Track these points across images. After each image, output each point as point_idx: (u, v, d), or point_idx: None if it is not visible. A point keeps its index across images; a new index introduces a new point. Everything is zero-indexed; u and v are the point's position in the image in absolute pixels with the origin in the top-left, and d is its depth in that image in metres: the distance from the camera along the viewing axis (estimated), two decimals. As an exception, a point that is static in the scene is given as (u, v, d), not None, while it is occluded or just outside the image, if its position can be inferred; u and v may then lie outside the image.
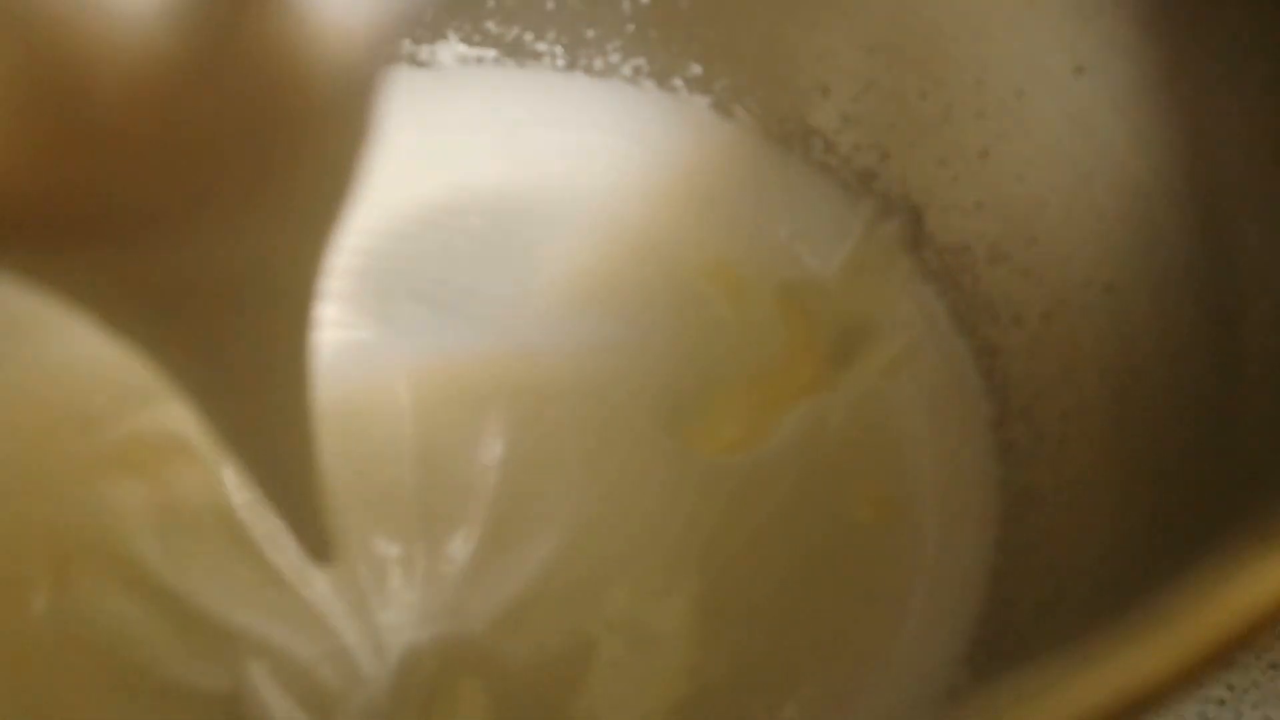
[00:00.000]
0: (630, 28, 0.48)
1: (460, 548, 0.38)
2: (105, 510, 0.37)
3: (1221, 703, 0.41)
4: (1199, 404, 0.30)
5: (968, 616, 0.37)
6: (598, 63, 0.49)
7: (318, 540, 0.29)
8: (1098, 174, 0.36)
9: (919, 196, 0.44)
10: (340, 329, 0.41)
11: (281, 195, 0.17)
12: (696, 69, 0.48)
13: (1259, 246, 0.29)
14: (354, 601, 0.37)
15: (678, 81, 0.48)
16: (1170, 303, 0.34)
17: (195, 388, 0.21)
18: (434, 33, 0.48)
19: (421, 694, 0.35)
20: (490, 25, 0.48)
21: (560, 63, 0.49)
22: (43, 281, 0.17)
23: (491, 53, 0.48)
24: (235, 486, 0.37)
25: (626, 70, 0.48)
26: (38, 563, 0.37)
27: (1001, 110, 0.39)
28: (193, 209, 0.16)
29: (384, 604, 0.37)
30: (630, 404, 0.41)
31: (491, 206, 0.45)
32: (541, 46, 0.48)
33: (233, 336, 0.20)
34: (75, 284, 0.18)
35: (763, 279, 0.45)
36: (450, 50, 0.48)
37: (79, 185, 0.15)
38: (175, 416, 0.37)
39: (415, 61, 0.48)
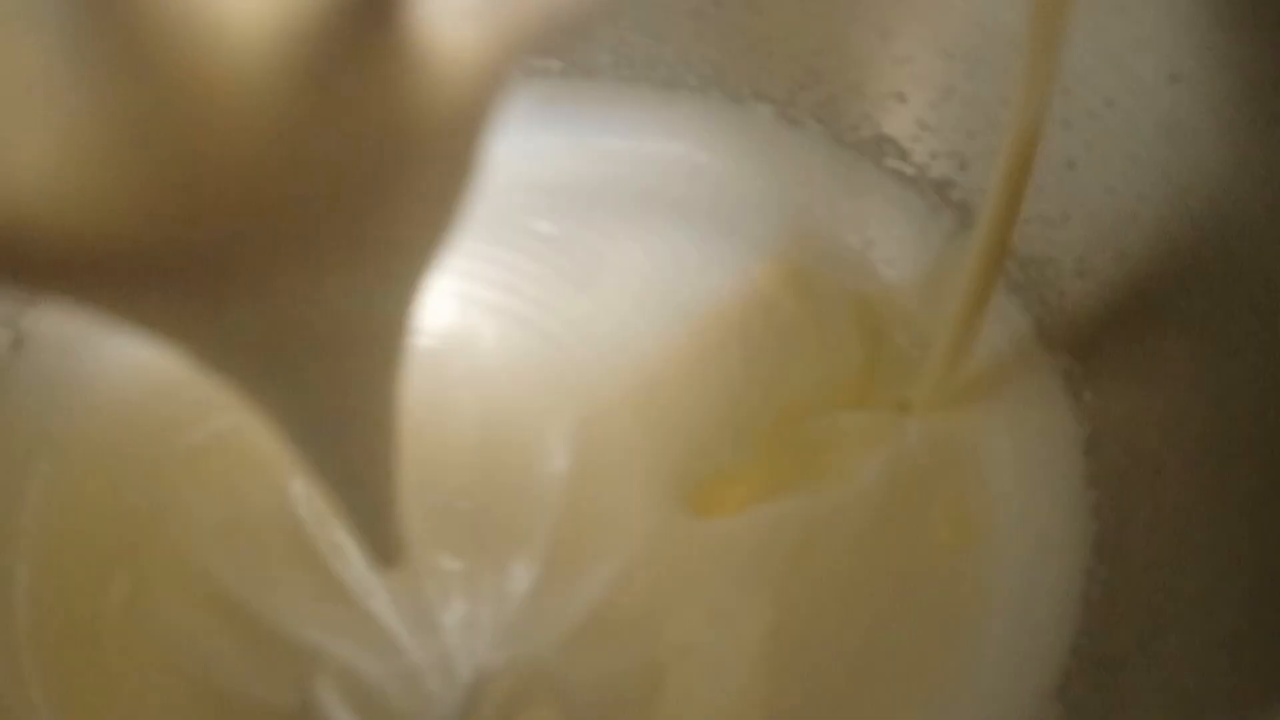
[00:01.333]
0: (694, 37, 0.47)
1: (525, 566, 0.37)
2: (176, 517, 0.38)
3: None
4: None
5: (1058, 648, 0.35)
6: (662, 72, 0.48)
7: (389, 544, 0.28)
8: (1193, 187, 0.34)
9: (1000, 208, 0.42)
10: (415, 336, 0.40)
11: (386, 237, 0.17)
12: (764, 76, 0.47)
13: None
14: (420, 619, 0.36)
15: (745, 90, 0.47)
16: (1271, 317, 0.32)
17: (282, 417, 0.21)
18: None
19: (494, 718, 0.35)
20: (555, 38, 0.47)
21: (625, 73, 0.48)
22: (142, 323, 0.17)
23: (556, 64, 0.48)
24: (302, 499, 0.37)
25: (692, 80, 0.48)
26: (116, 561, 0.37)
27: (1089, 119, 0.38)
28: (299, 255, 0.16)
29: (451, 622, 0.36)
30: (702, 418, 0.40)
31: (559, 213, 0.44)
32: (605, 58, 0.48)
33: (327, 375, 0.20)
34: (174, 325, 0.17)
35: (838, 290, 0.43)
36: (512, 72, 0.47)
37: (191, 231, 0.15)
38: (247, 426, 0.38)
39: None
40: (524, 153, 0.45)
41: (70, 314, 0.16)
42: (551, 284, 0.42)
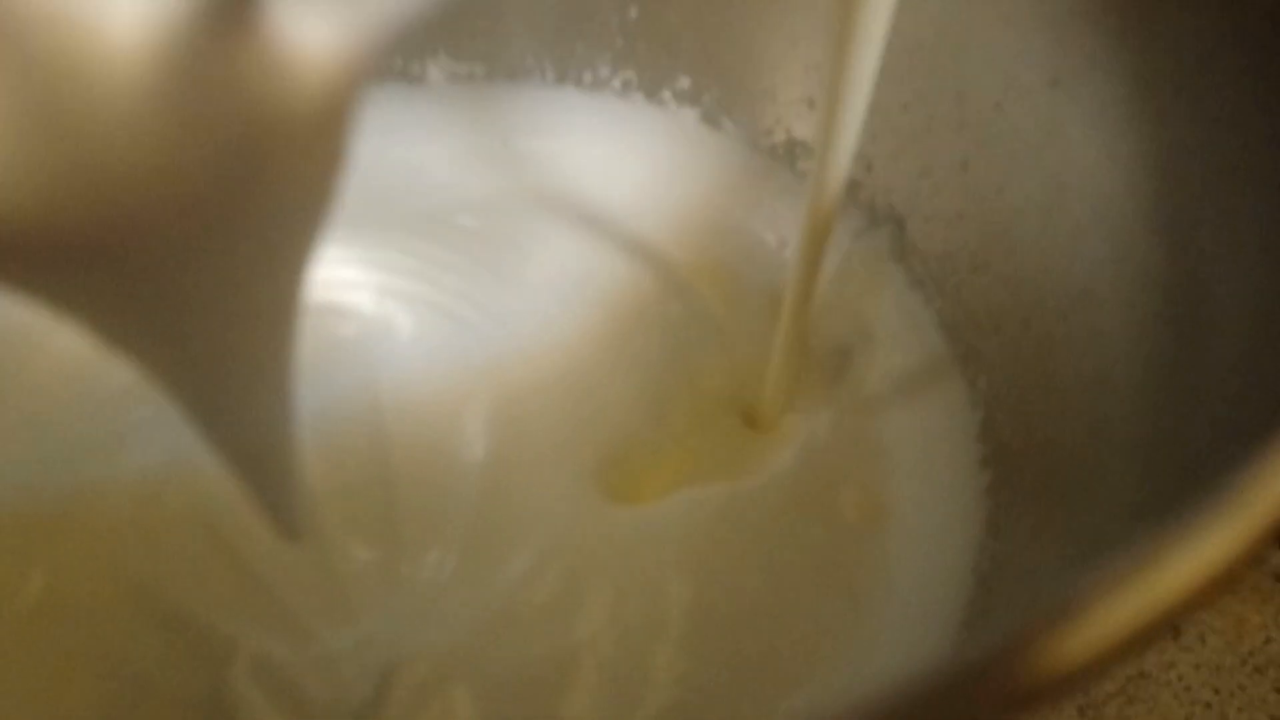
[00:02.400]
0: (619, 42, 0.48)
1: (442, 554, 0.37)
2: (96, 518, 0.38)
3: (1208, 705, 0.41)
4: (1166, 404, 0.31)
5: (952, 618, 0.37)
6: (587, 76, 0.49)
7: (291, 517, 0.29)
8: (1071, 185, 0.37)
9: (903, 207, 0.45)
10: (328, 327, 0.41)
11: (267, 211, 0.18)
12: (685, 82, 0.49)
13: (1223, 255, 0.30)
14: (335, 607, 0.36)
15: (666, 94, 0.49)
16: (1141, 309, 0.34)
17: (183, 390, 0.22)
18: (423, 50, 0.48)
19: (408, 703, 0.35)
20: (478, 42, 0.49)
21: (550, 77, 0.50)
22: (40, 296, 0.18)
23: (481, 68, 0.49)
24: (220, 501, 0.37)
25: (616, 84, 0.49)
26: (31, 559, 0.37)
27: (981, 122, 0.40)
28: (182, 227, 0.17)
29: (366, 610, 0.36)
30: (621, 405, 0.41)
31: (482, 209, 0.46)
32: (530, 61, 0.49)
33: (223, 350, 0.21)
34: (72, 298, 0.18)
35: (755, 285, 0.45)
36: (440, 67, 0.49)
37: (76, 207, 0.16)
38: (162, 418, 0.38)
39: (406, 77, 0.49)
40: (448, 154, 0.47)
41: None
42: (470, 274, 0.43)
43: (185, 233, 0.17)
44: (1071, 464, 0.36)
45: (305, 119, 0.17)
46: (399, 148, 0.46)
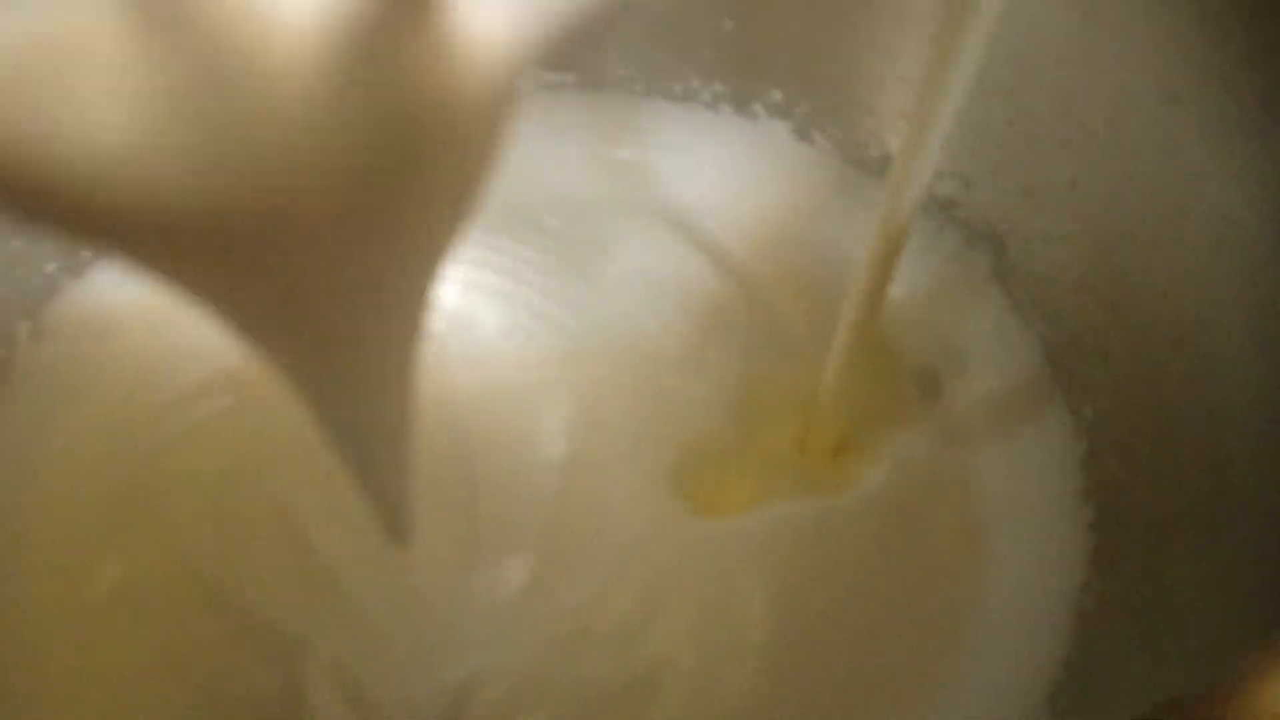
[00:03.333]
0: (710, 54, 0.47)
1: (518, 558, 0.37)
2: (169, 509, 0.38)
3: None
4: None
5: (1050, 657, 0.36)
6: (677, 88, 0.48)
7: (400, 519, 0.28)
8: (1190, 207, 0.35)
9: (1003, 226, 0.43)
10: None
11: (413, 204, 0.18)
12: (777, 95, 0.47)
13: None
14: (410, 612, 0.36)
15: (757, 107, 0.48)
16: (1267, 340, 0.32)
17: (310, 382, 0.22)
18: (514, 59, 0.48)
19: None
20: (570, 51, 0.48)
21: (639, 88, 0.49)
22: (185, 282, 0.18)
23: (571, 77, 0.48)
24: (294, 494, 0.37)
25: (706, 96, 0.48)
26: (106, 550, 0.37)
27: (1090, 139, 0.38)
28: (332, 215, 0.17)
29: (440, 617, 0.36)
30: (703, 411, 0.40)
31: (567, 211, 0.45)
32: (620, 72, 0.48)
33: (351, 343, 0.20)
34: (214, 285, 0.18)
35: (839, 303, 0.44)
36: (530, 75, 0.48)
37: (237, 193, 0.16)
38: (246, 428, 0.38)
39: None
40: (537, 159, 0.46)
41: (127, 270, 0.17)
42: (555, 272, 0.42)
43: (334, 221, 0.17)
44: (1186, 503, 0.35)
45: (467, 111, 0.17)
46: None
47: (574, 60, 0.48)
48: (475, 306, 0.42)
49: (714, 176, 0.47)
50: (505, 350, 0.41)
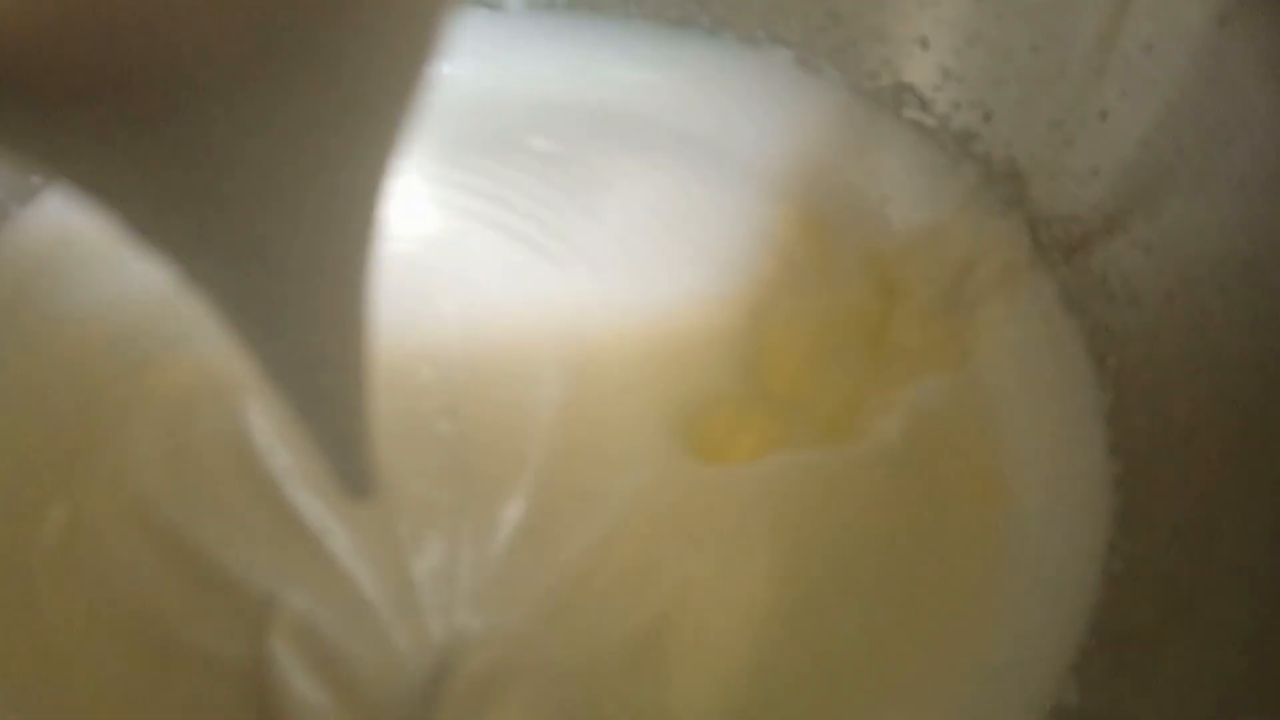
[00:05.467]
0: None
1: (511, 504, 0.34)
2: (118, 440, 0.35)
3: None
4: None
5: (1076, 622, 0.34)
6: (673, 12, 0.45)
7: (359, 471, 0.25)
8: (1238, 139, 0.32)
9: (1025, 161, 0.40)
10: (389, 241, 0.37)
11: (345, 74, 0.14)
12: (780, 19, 0.44)
13: None
14: (389, 564, 0.33)
15: (760, 33, 0.45)
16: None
17: (236, 301, 0.18)
18: (504, -26, 0.45)
19: (469, 697, 0.31)
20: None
21: (633, 10, 0.46)
22: (36, 145, 0.14)
23: (561, -1, 0.46)
24: (256, 421, 0.34)
25: (705, 20, 0.45)
26: (53, 491, 0.34)
27: (1126, 67, 0.35)
28: (228, 60, 0.13)
29: (423, 569, 0.33)
30: (709, 354, 0.37)
31: (557, 132, 0.42)
32: (613, -8, 0.46)
33: (279, 248, 0.17)
34: (75, 150, 0.14)
35: (852, 243, 0.41)
36: (519, -7, 0.45)
37: (99, 17, 0.12)
38: (205, 357, 0.35)
39: (486, 3, 0.45)
40: (522, 77, 0.43)
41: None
42: (547, 199, 0.39)
43: (232, 72, 0.13)
44: (1221, 460, 0.32)
45: None
46: (470, 68, 0.42)
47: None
48: (461, 233, 0.38)
49: (713, 105, 0.44)
50: (496, 282, 0.37)
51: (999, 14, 0.39)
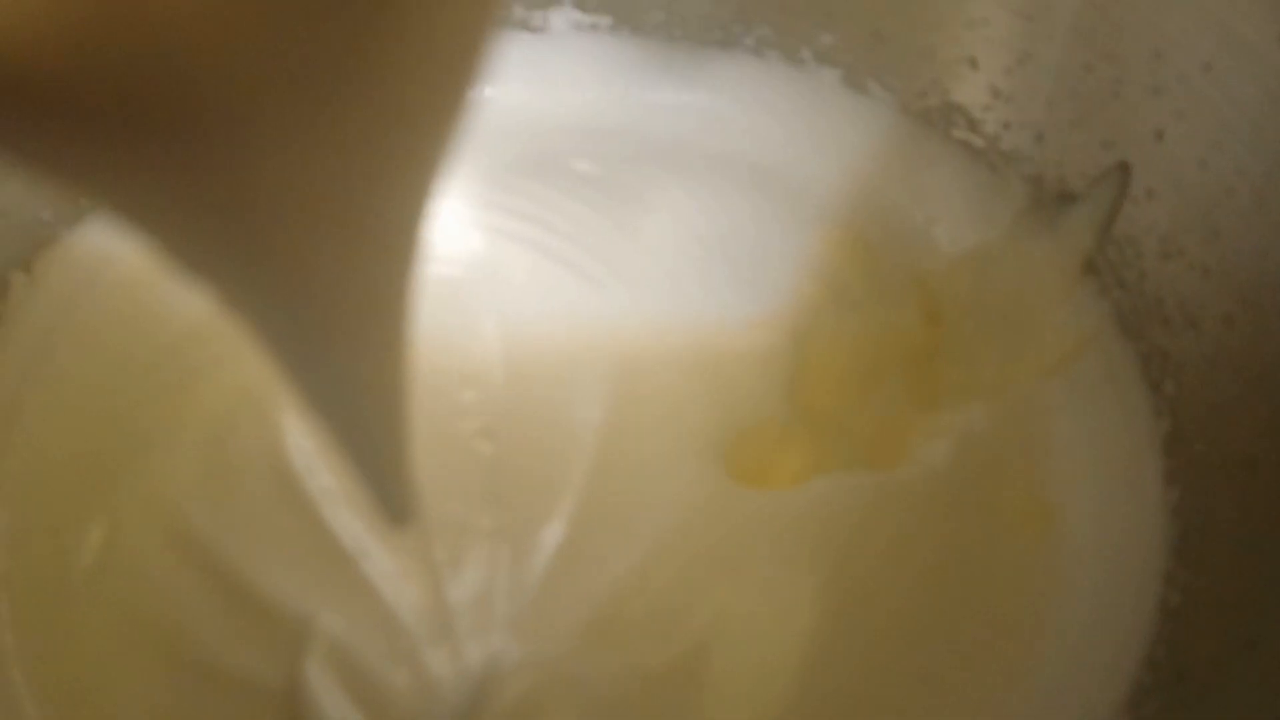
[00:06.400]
0: (754, -6, 0.44)
1: (549, 528, 0.33)
2: (156, 459, 0.35)
3: None
4: None
5: (1131, 657, 0.33)
6: (717, 33, 0.45)
7: (399, 499, 0.25)
8: (1301, 159, 0.31)
9: (1078, 183, 0.39)
10: (431, 263, 0.37)
11: (388, 99, 0.14)
12: (827, 40, 0.44)
13: None
14: (426, 585, 0.32)
15: (806, 53, 0.44)
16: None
17: (277, 326, 0.18)
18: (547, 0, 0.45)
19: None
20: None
21: (677, 32, 0.45)
22: (60, 172, 0.13)
23: (606, 19, 0.45)
24: (295, 440, 0.34)
25: (749, 41, 0.45)
26: (92, 510, 0.34)
27: (1183, 86, 0.35)
28: (263, 87, 0.12)
29: (461, 594, 0.32)
30: (750, 378, 0.37)
31: (601, 156, 0.42)
32: (658, 15, 0.45)
33: (326, 265, 0.16)
34: (102, 177, 0.13)
35: (898, 266, 0.40)
36: (564, 17, 0.45)
37: (123, 44, 0.11)
38: (245, 378, 0.35)
39: (528, 27, 0.45)
40: (567, 100, 0.43)
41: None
42: (589, 222, 0.39)
43: (275, 95, 0.12)
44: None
45: None
46: (513, 91, 0.42)
47: (608, 1, 0.45)
48: (503, 254, 0.38)
49: (758, 127, 0.44)
50: (538, 304, 0.37)
51: (1050, 33, 0.38)
